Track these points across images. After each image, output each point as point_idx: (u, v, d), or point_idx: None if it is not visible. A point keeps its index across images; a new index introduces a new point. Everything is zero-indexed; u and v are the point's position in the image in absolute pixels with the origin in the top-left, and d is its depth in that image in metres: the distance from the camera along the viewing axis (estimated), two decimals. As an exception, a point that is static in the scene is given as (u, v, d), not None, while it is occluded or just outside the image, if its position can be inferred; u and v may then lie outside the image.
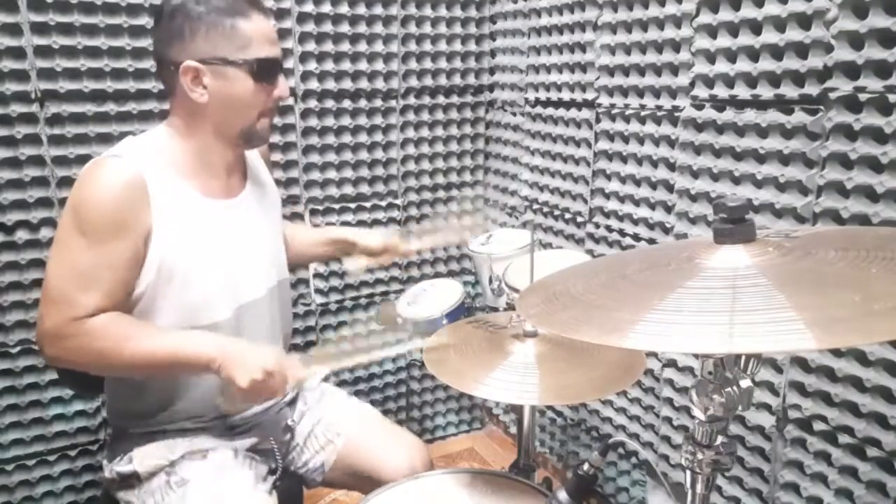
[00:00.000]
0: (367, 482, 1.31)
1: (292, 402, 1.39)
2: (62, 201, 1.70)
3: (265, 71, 1.17)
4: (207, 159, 1.21)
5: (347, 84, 2.01)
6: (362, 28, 1.99)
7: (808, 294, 0.66)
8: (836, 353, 1.23)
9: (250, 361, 1.08)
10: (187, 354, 1.10)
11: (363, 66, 2.02)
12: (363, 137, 2.08)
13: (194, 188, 1.19)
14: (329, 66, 1.97)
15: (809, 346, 0.59)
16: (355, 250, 1.50)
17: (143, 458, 1.20)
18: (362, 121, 2.06)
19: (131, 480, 1.21)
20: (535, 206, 2.07)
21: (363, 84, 2.04)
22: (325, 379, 1.51)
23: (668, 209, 1.58)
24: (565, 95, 1.88)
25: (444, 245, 1.80)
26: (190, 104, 1.16)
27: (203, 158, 1.20)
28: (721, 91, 1.39)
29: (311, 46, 1.92)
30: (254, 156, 1.37)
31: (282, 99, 1.22)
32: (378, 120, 2.09)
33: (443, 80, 2.17)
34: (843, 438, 1.24)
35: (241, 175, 1.30)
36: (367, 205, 2.14)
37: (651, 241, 1.65)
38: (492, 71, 2.23)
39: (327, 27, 1.94)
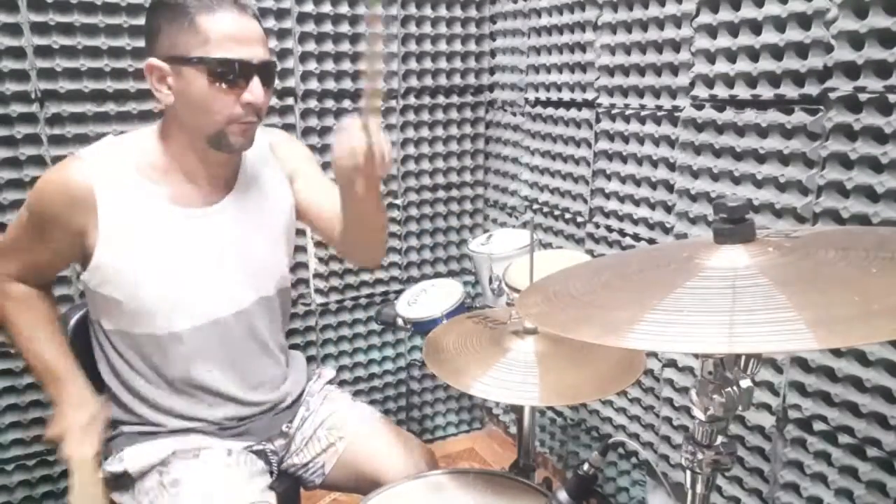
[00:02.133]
0: (369, 486, 1.30)
1: (292, 406, 1.38)
2: (62, 201, 1.70)
3: (225, 72, 1.06)
4: (183, 163, 1.17)
5: (347, 84, 2.01)
6: (362, 28, 1.99)
7: (808, 294, 0.66)
8: (836, 353, 1.23)
9: (62, 439, 1.18)
10: (49, 387, 1.22)
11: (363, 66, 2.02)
12: (363, 137, 2.08)
13: (162, 194, 1.16)
14: (329, 66, 1.97)
15: (810, 347, 0.59)
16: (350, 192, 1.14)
17: (133, 457, 1.20)
18: (362, 121, 2.06)
19: (124, 481, 1.21)
20: (535, 206, 2.07)
21: (363, 84, 2.03)
22: (332, 382, 1.50)
23: (668, 209, 1.58)
24: (565, 95, 1.88)
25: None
26: (163, 105, 1.13)
27: (178, 162, 1.17)
28: (721, 91, 1.39)
29: (311, 46, 1.92)
30: (262, 154, 1.30)
31: (254, 106, 1.10)
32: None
33: (443, 80, 2.17)
34: (843, 438, 1.24)
35: (228, 180, 1.24)
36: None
37: (651, 241, 1.65)
38: (492, 71, 2.23)
39: (327, 27, 1.94)
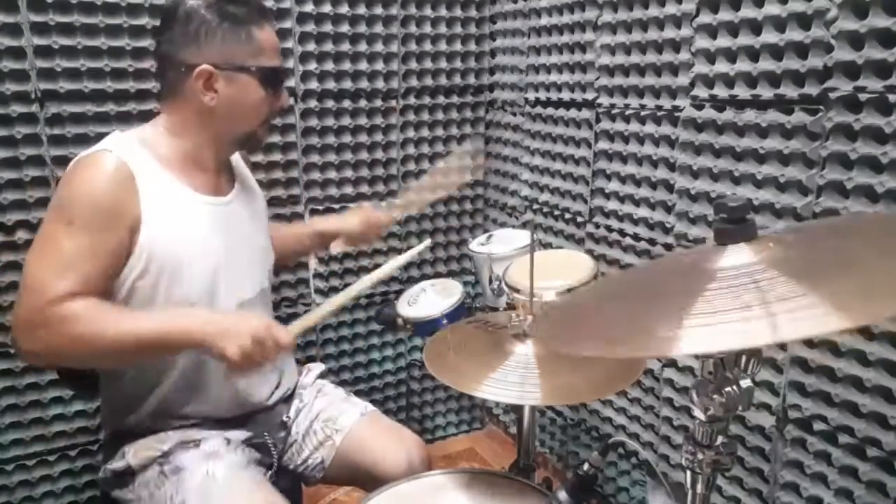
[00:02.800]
0: (366, 479, 1.32)
1: (288, 399, 1.39)
2: (62, 201, 1.70)
3: (274, 80, 1.20)
4: (196, 158, 1.21)
5: (347, 84, 2.01)
6: (362, 28, 1.99)
7: (819, 280, 0.66)
8: (836, 352, 1.24)
9: (237, 331, 1.05)
10: (172, 332, 1.07)
11: (363, 66, 2.02)
12: (363, 137, 2.08)
13: (183, 183, 1.19)
14: (329, 66, 1.97)
15: (845, 325, 0.59)
16: (340, 236, 1.53)
17: (135, 451, 1.20)
18: (362, 121, 2.06)
19: (125, 477, 1.21)
20: (535, 206, 2.07)
21: (363, 84, 2.04)
22: (323, 377, 1.51)
23: (668, 209, 1.58)
24: (565, 95, 1.88)
25: (432, 201, 1.75)
26: (195, 106, 1.16)
27: (192, 157, 1.21)
28: (721, 91, 1.39)
29: (311, 46, 1.92)
30: (239, 161, 1.38)
31: (283, 109, 1.26)
32: (378, 120, 2.09)
33: (443, 80, 2.17)
34: (843, 438, 1.24)
35: (228, 176, 1.31)
36: (367, 205, 2.14)
37: (651, 242, 1.65)
38: (492, 71, 2.23)
39: (327, 27, 1.94)
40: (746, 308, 0.65)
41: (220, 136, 1.21)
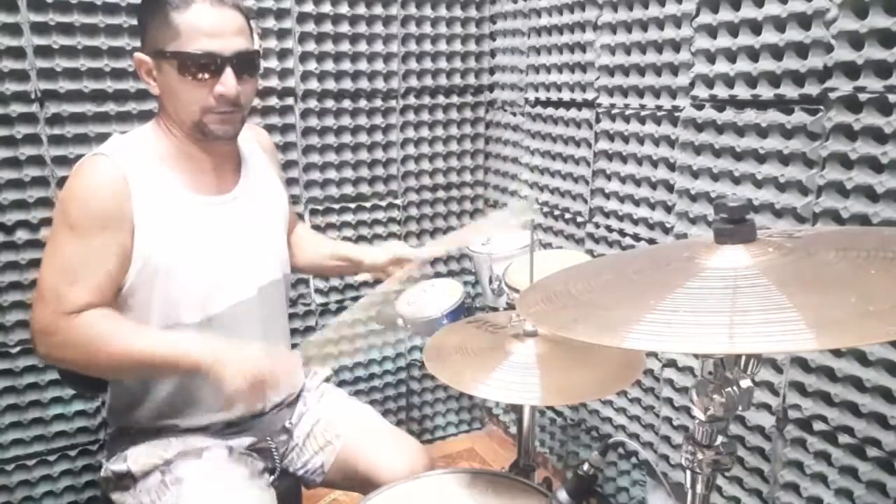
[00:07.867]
0: (365, 484, 1.31)
1: (292, 404, 1.39)
2: (62, 201, 1.70)
3: (194, 66, 1.10)
4: (190, 154, 1.20)
5: (347, 84, 2.01)
6: (362, 28, 1.99)
7: (807, 294, 0.66)
8: (836, 353, 1.23)
9: (239, 364, 1.07)
10: (175, 356, 1.09)
11: (363, 66, 2.02)
12: (363, 137, 2.08)
13: (181, 183, 1.19)
14: (329, 66, 1.97)
15: (809, 347, 0.59)
16: (362, 269, 1.48)
17: (137, 457, 1.20)
18: (362, 121, 2.06)
19: (126, 481, 1.21)
20: (535, 206, 2.07)
21: (363, 84, 2.04)
22: (326, 379, 1.50)
23: (668, 209, 1.58)
24: (565, 95, 1.88)
25: (459, 248, 1.77)
26: (158, 98, 1.18)
27: (186, 153, 1.20)
28: (721, 91, 1.39)
29: (311, 46, 1.92)
30: (254, 149, 1.36)
31: (227, 97, 1.12)
32: (378, 120, 2.09)
33: (443, 80, 2.17)
34: (843, 438, 1.24)
35: (233, 170, 1.29)
36: (367, 205, 2.14)
37: (651, 241, 1.65)
38: (492, 71, 2.23)
39: (327, 27, 1.94)
40: (710, 313, 0.65)
41: (179, 126, 1.18)
